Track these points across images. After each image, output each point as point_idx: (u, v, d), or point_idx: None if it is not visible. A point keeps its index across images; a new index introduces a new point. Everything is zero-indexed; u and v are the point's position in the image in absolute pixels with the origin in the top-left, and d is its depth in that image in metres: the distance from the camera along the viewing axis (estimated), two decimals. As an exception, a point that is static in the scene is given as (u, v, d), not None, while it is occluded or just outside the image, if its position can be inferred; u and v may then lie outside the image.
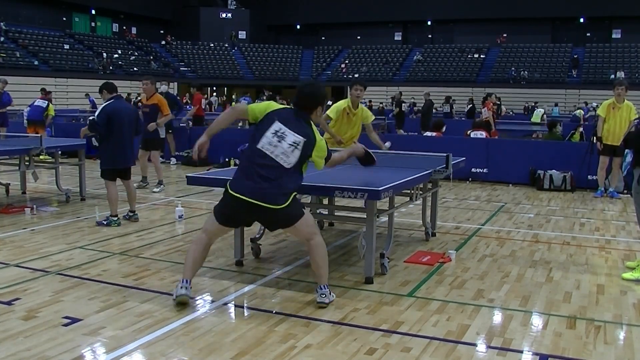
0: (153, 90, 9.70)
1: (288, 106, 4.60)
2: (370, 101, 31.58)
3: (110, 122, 6.92)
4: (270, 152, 4.25)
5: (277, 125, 4.30)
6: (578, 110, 24.88)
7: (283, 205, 4.21)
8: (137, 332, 3.88)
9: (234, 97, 39.37)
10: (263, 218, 4.39)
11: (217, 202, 4.49)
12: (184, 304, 4.34)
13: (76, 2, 40.76)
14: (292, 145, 4.27)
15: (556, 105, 31.41)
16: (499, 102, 22.13)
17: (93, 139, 7.55)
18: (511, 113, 30.34)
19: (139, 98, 19.20)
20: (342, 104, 7.31)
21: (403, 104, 24.26)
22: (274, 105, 4.49)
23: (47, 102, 14.33)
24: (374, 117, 7.76)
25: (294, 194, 4.32)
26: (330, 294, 4.44)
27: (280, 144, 4.26)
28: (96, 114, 7.08)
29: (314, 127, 4.40)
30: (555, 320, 4.28)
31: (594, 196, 9.84)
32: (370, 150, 4.99)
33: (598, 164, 9.91)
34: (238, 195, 4.23)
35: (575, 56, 40.11)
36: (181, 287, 4.35)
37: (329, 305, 4.41)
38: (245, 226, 5.01)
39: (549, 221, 7.97)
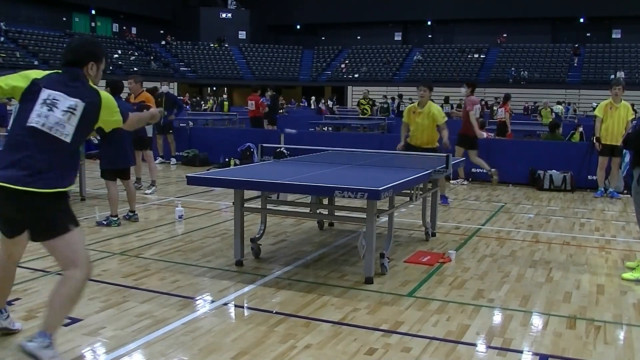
0: (140, 89, 9.71)
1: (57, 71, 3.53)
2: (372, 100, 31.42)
3: None
4: (42, 124, 3.27)
5: (44, 93, 3.32)
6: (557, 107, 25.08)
7: (46, 190, 3.19)
8: (137, 332, 3.89)
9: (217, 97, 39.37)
10: (26, 213, 3.27)
11: None
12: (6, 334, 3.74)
13: (76, 2, 40.75)
14: (68, 111, 3.32)
15: (560, 104, 31.20)
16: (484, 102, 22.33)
17: (92, 138, 7.54)
18: (511, 113, 30.25)
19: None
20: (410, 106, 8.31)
21: (401, 104, 24.31)
22: (35, 73, 3.44)
23: None
24: (445, 118, 8.06)
25: (66, 187, 3.32)
26: (48, 347, 3.16)
27: (53, 113, 3.30)
28: None
29: (95, 86, 3.51)
30: (555, 320, 4.28)
31: (594, 196, 9.84)
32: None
33: (597, 164, 9.92)
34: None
35: (576, 45, 40.13)
36: None
37: (324, 304, 4.41)
38: (17, 233, 3.44)
39: (549, 221, 7.97)
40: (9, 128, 13.36)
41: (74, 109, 3.34)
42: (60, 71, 3.48)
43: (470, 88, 10.19)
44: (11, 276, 3.72)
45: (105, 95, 3.52)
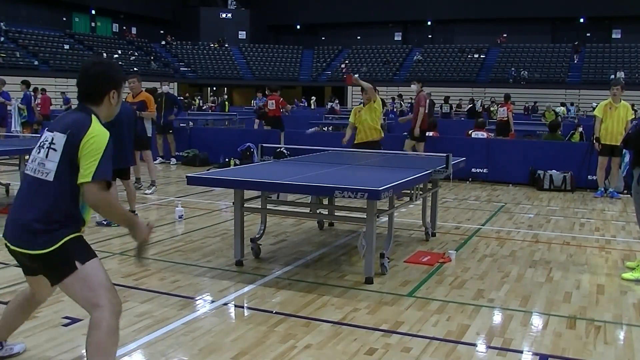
0: (140, 88, 9.71)
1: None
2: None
3: (110, 121, 6.93)
4: (31, 170, 2.96)
5: (43, 136, 3.02)
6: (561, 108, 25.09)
7: (41, 251, 2.84)
8: (137, 332, 3.89)
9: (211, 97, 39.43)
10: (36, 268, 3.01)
11: None
12: None
13: (76, 2, 40.74)
14: (45, 144, 2.94)
15: (563, 105, 31.20)
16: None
17: None
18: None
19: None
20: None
21: (402, 104, 24.33)
22: None
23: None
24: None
25: (68, 236, 2.89)
26: None
27: (38, 154, 2.96)
28: None
29: (94, 119, 2.98)
30: (555, 320, 4.28)
31: (594, 196, 9.84)
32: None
33: (597, 164, 9.92)
34: (4, 241, 2.98)
35: (576, 43, 40.14)
36: None
37: (324, 304, 4.41)
38: (31, 274, 3.16)
39: (549, 221, 7.96)
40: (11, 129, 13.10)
41: (53, 143, 2.89)
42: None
43: (421, 83, 11.11)
44: (26, 314, 3.39)
45: (98, 131, 2.92)
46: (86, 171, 2.83)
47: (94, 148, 2.86)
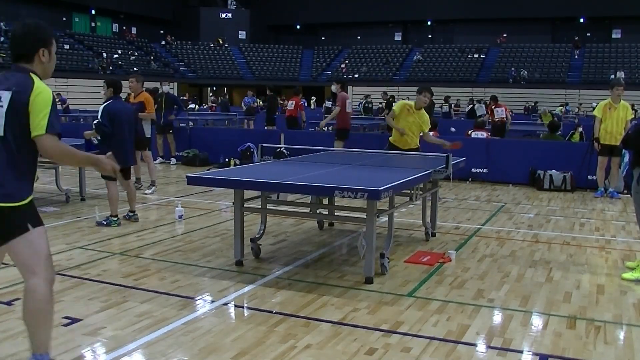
0: (140, 88, 9.70)
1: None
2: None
3: (112, 121, 7.00)
4: None
5: None
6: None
7: (9, 204, 2.96)
8: (137, 332, 3.89)
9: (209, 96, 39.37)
10: None
11: None
12: None
13: (76, 2, 40.72)
14: None
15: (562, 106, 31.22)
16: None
17: (92, 138, 7.53)
18: (511, 113, 30.24)
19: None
20: (405, 102, 8.35)
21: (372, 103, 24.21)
22: None
23: None
24: (429, 126, 8.42)
25: (30, 195, 3.04)
26: None
27: None
28: (99, 115, 7.09)
29: (35, 77, 3.07)
30: (555, 320, 4.28)
31: (594, 196, 9.84)
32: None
33: (597, 164, 9.92)
34: None
35: (576, 38, 40.15)
36: None
37: (324, 304, 4.41)
38: None
39: (549, 221, 7.96)
40: None
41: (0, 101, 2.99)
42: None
43: (340, 84, 11.91)
44: None
45: (42, 87, 3.02)
46: (39, 124, 2.96)
47: (42, 103, 2.98)
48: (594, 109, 10.67)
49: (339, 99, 11.70)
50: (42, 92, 3.00)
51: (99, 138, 7.40)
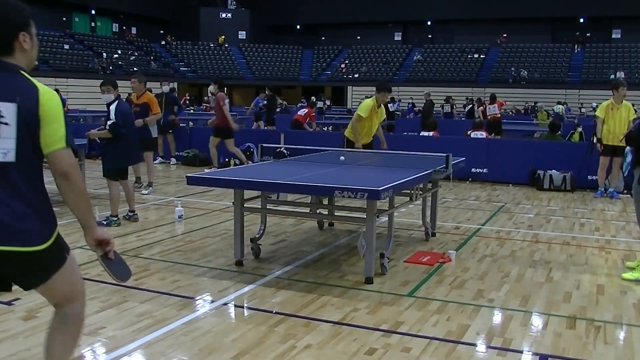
0: (143, 89, 9.66)
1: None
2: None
3: (124, 122, 7.01)
4: None
5: None
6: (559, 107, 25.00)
7: (36, 248, 2.42)
8: (137, 332, 3.88)
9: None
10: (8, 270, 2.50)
11: None
12: None
13: (76, 2, 40.73)
14: None
15: (560, 104, 31.16)
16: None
17: (97, 138, 7.50)
18: (511, 113, 30.28)
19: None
20: (370, 102, 8.21)
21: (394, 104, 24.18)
22: None
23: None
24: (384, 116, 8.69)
25: (56, 225, 2.54)
26: None
27: None
28: (112, 115, 6.99)
29: (27, 76, 2.48)
30: (555, 320, 4.28)
31: (594, 196, 9.84)
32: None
33: (598, 164, 9.92)
34: None
35: (577, 33, 40.14)
36: None
37: (324, 304, 4.40)
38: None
39: (549, 221, 7.96)
40: None
41: (2, 116, 2.38)
42: None
43: (217, 84, 11.99)
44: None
45: (47, 90, 2.47)
46: (56, 136, 2.43)
47: (55, 110, 2.45)
48: (594, 109, 10.67)
49: (219, 99, 11.53)
50: (51, 96, 2.44)
51: (101, 139, 7.39)
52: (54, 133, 2.43)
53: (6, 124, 2.38)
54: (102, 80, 7.42)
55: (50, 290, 2.59)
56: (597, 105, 13.09)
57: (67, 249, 2.62)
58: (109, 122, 7.01)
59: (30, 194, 2.45)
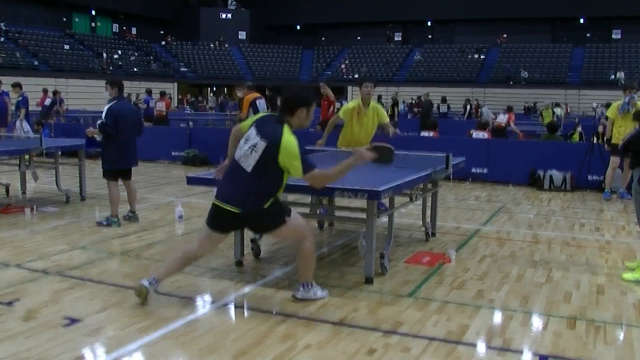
0: (248, 93, 10.64)
1: (274, 113, 4.43)
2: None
3: (116, 122, 6.92)
4: (238, 157, 4.23)
5: (250, 131, 4.24)
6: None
7: (251, 209, 4.17)
8: (137, 332, 3.88)
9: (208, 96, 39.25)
10: (239, 222, 4.36)
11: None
12: (139, 296, 4.30)
13: (76, 2, 40.73)
14: (251, 147, 4.16)
15: (557, 105, 31.12)
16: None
17: (96, 136, 7.50)
18: (514, 121, 30.15)
19: (140, 98, 19.00)
20: (351, 103, 7.47)
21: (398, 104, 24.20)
22: (259, 115, 4.46)
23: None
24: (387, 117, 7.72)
25: (270, 199, 4.19)
26: (308, 290, 4.48)
27: (243, 147, 4.21)
28: (103, 115, 7.01)
29: (286, 129, 4.13)
30: (555, 320, 4.28)
31: (604, 198, 9.59)
32: (380, 144, 4.55)
33: (599, 165, 9.87)
34: (214, 201, 4.30)
35: (580, 23, 40.20)
36: (146, 280, 4.34)
37: (324, 304, 4.40)
38: (233, 230, 4.85)
39: (549, 221, 7.96)
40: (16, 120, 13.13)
41: (255, 147, 4.10)
42: (275, 114, 4.32)
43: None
44: (184, 266, 4.56)
45: (287, 140, 4.05)
46: (297, 170, 4.09)
47: (290, 154, 4.06)
48: (594, 109, 10.67)
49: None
50: (287, 142, 4.13)
51: (102, 136, 7.38)
52: (295, 168, 4.12)
53: (256, 152, 4.11)
54: (106, 80, 7.49)
55: (281, 237, 4.78)
56: (597, 105, 13.08)
57: (287, 214, 4.30)
58: (98, 122, 7.05)
59: (252, 186, 4.18)
